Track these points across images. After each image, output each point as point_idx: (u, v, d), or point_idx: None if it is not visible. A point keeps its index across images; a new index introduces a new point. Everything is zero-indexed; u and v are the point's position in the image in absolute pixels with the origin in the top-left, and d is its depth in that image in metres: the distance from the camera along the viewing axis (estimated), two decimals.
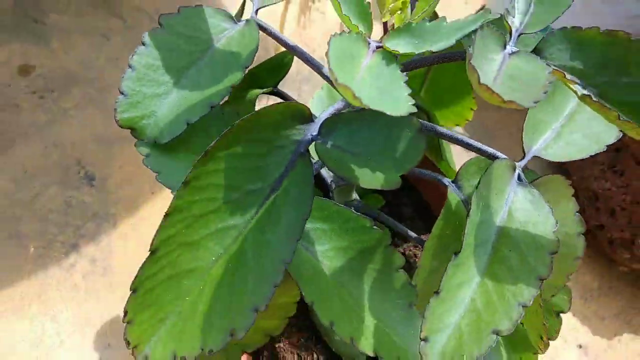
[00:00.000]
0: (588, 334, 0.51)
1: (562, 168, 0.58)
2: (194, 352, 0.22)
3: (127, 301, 0.22)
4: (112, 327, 0.49)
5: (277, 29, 0.70)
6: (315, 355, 0.36)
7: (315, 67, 0.30)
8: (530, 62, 0.21)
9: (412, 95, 0.40)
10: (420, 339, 0.21)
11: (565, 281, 0.33)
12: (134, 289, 0.22)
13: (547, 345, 0.34)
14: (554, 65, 0.22)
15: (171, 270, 0.22)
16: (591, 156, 0.54)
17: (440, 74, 0.41)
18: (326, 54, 0.18)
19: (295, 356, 0.36)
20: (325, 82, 0.36)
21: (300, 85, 0.65)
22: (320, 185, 0.38)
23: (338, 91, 0.17)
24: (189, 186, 0.21)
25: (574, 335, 0.51)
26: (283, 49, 0.30)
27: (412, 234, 0.34)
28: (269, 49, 0.65)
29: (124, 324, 0.22)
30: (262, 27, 0.29)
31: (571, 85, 0.22)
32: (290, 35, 0.67)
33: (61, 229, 0.53)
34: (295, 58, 0.30)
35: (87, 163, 0.57)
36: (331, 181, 0.34)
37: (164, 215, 0.21)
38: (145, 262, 0.21)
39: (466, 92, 0.41)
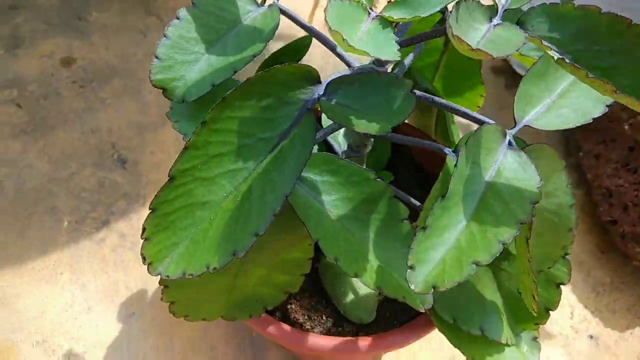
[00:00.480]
0: (599, 325, 0.53)
1: (576, 166, 0.61)
2: (201, 270, 0.26)
3: (146, 219, 0.26)
4: (137, 297, 0.54)
5: (306, 19, 0.74)
6: (324, 317, 0.40)
7: (330, 46, 0.34)
8: (510, 31, 0.25)
9: (426, 81, 0.44)
10: (407, 266, 0.24)
11: (560, 253, 0.36)
12: (152, 209, 0.26)
13: (541, 309, 0.37)
14: (535, 36, 0.26)
15: (187, 200, 0.26)
16: (605, 155, 0.57)
17: (451, 62, 0.45)
18: (324, 10, 0.22)
19: (305, 317, 0.40)
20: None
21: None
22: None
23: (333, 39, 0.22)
24: (206, 127, 0.26)
25: (585, 326, 0.53)
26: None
27: (419, 204, 0.37)
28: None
29: (142, 240, 0.26)
30: (282, 11, 0.34)
31: (548, 51, 0.26)
32: (318, 26, 0.72)
33: (94, 206, 0.59)
34: (319, 53, 0.34)
35: (120, 147, 0.63)
36: (342, 152, 0.38)
37: (183, 149, 0.26)
38: (163, 186, 0.26)
39: (476, 80, 0.45)
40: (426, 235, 0.25)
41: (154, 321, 0.53)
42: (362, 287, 0.40)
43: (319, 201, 0.29)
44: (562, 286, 0.56)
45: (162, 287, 0.32)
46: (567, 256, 0.37)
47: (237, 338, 0.53)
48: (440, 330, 0.35)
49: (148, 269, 0.26)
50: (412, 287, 0.24)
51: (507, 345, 0.37)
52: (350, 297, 0.40)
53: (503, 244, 0.25)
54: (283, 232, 0.31)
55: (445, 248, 0.25)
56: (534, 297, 0.31)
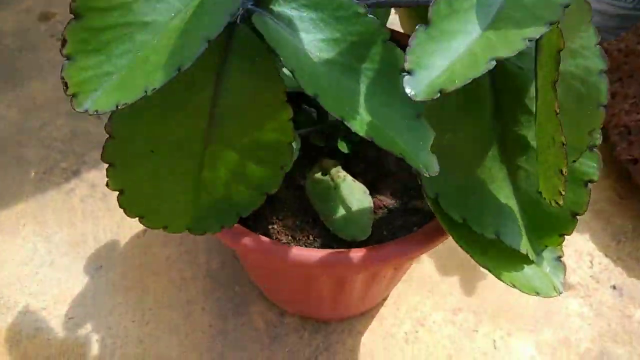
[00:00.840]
0: (622, 275, 0.45)
1: None
2: (138, 96, 0.19)
3: (67, 26, 0.20)
4: (106, 249, 0.47)
5: None
6: (311, 238, 0.33)
7: None
8: None
9: None
10: (405, 70, 0.18)
11: (587, 140, 0.29)
12: (76, 13, 0.19)
13: (565, 213, 0.30)
14: None
15: (124, 17, 0.20)
16: (622, 92, 0.50)
17: None
18: None
19: (289, 237, 0.33)
20: None
21: None
22: None
23: None
24: None
25: (606, 275, 0.45)
26: None
27: None
28: None
29: (64, 61, 0.19)
30: None
31: None
32: None
33: (64, 156, 0.52)
34: None
35: None
36: None
37: None
38: None
39: None
40: (429, 36, 0.18)
41: (124, 275, 0.46)
42: (355, 202, 0.33)
43: (298, 40, 0.23)
44: (578, 235, 0.49)
45: (107, 165, 0.25)
46: (595, 149, 0.30)
47: (217, 292, 0.45)
48: (448, 231, 0.28)
49: (72, 101, 0.20)
50: (411, 92, 0.17)
51: (527, 262, 0.30)
52: (342, 212, 0.33)
53: (529, 41, 0.19)
54: (255, 86, 0.24)
55: (454, 55, 0.18)
56: (561, 173, 0.24)
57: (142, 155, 0.24)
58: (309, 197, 0.34)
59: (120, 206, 0.26)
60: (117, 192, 0.26)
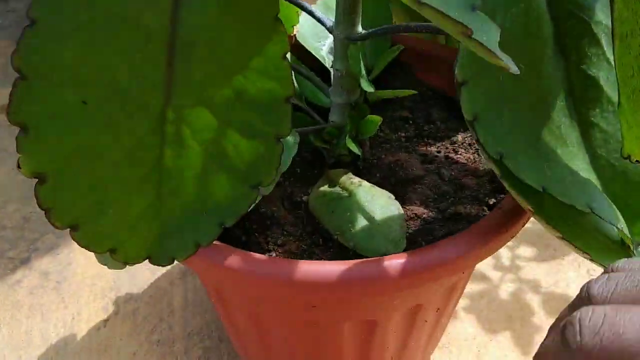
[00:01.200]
0: None
1: None
2: None
3: None
4: (57, 348, 0.35)
5: None
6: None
7: None
8: None
9: None
10: None
11: None
12: None
13: None
14: None
15: None
16: None
17: None
18: None
19: None
20: None
21: None
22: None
23: None
24: None
25: None
26: None
27: None
28: None
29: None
30: None
31: None
32: None
33: (13, 245, 0.42)
34: None
35: None
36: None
37: None
38: None
39: None
40: None
41: None
42: (378, 209, 0.24)
43: None
44: None
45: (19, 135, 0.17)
46: None
47: None
48: (524, 203, 0.19)
49: None
50: None
51: (626, 253, 0.22)
52: (363, 223, 0.24)
53: None
54: None
55: None
56: None
57: (69, 110, 0.16)
58: (313, 213, 0.25)
59: (41, 205, 0.17)
60: (36, 182, 0.17)
